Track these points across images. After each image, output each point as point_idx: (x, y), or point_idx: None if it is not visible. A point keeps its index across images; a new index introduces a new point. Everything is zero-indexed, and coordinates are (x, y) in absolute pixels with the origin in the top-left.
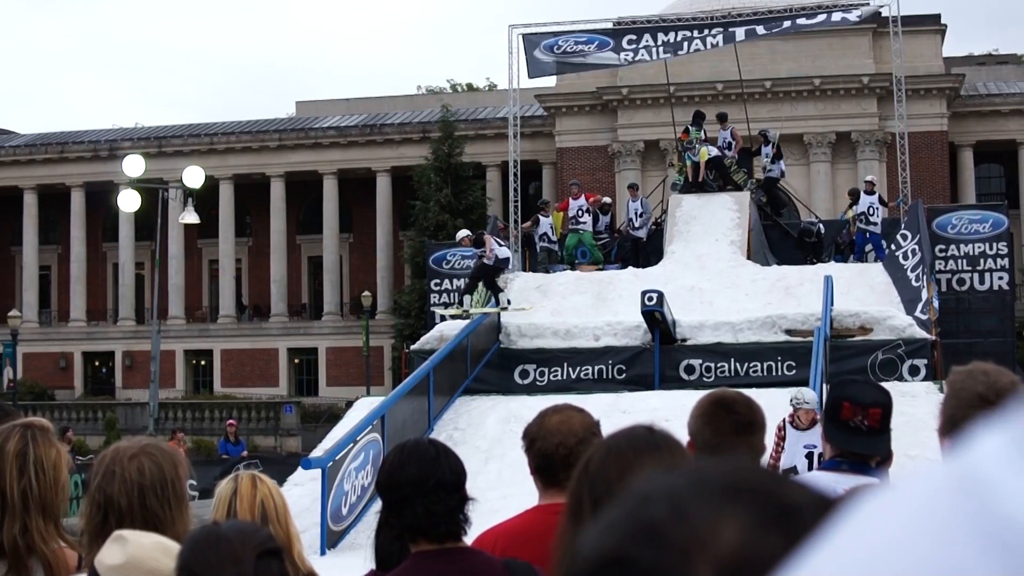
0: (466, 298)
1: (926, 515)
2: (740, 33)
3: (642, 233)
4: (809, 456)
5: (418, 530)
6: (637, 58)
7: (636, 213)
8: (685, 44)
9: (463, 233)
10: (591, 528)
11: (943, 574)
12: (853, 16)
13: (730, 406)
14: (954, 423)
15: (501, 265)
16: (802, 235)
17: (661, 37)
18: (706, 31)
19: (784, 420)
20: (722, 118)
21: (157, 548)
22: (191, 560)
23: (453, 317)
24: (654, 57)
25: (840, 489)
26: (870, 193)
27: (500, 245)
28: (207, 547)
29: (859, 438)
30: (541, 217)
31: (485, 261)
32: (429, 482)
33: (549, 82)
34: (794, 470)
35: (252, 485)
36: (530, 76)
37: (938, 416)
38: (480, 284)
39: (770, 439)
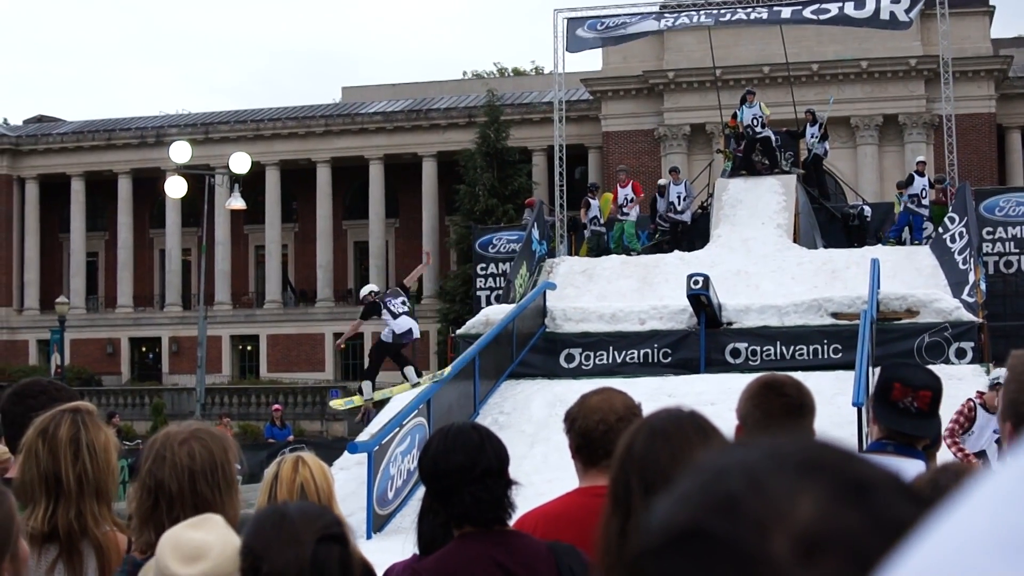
0: (365, 384)
1: None
2: (786, 12)
3: (686, 217)
4: (998, 442)
5: (466, 517)
6: (678, 23)
7: (679, 197)
8: (728, 14)
9: (366, 290)
10: (663, 501)
11: None
12: (901, 12)
13: (780, 388)
14: (1016, 406)
15: (402, 341)
16: (845, 219)
17: (704, 11)
18: (752, 12)
19: (974, 401)
20: (750, 93)
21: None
22: (253, 540)
23: (351, 410)
24: (694, 22)
25: None
26: (922, 175)
27: (399, 314)
28: (270, 527)
29: (908, 420)
30: (591, 200)
31: (382, 338)
32: (476, 470)
33: (595, 66)
34: (983, 455)
35: (293, 468)
36: (569, 50)
37: (1000, 400)
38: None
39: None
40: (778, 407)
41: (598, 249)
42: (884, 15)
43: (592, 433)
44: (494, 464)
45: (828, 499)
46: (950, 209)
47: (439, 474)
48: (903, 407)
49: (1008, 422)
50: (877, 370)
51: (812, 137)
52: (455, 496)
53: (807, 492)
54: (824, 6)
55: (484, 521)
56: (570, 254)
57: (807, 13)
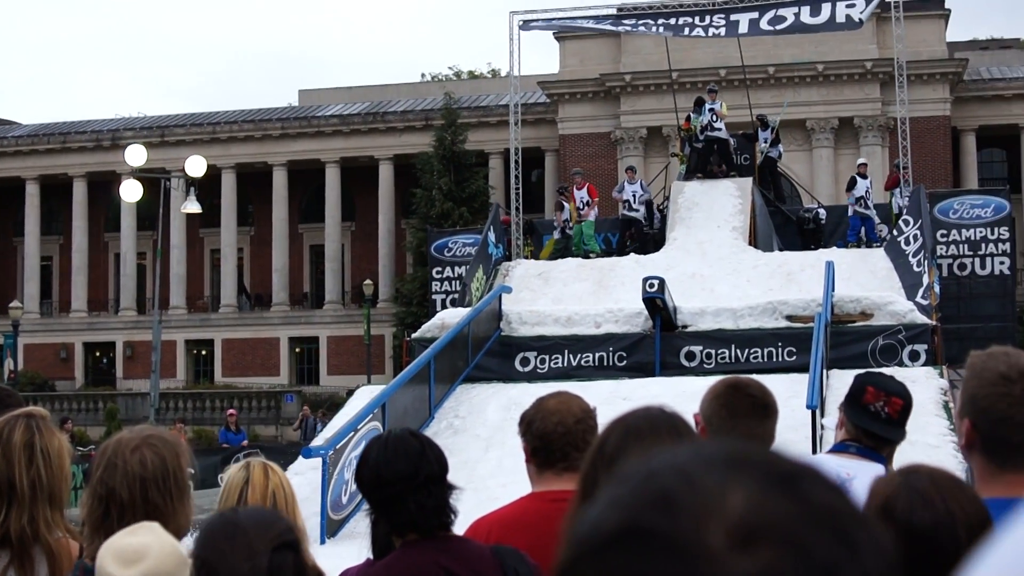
0: None
1: None
2: (743, 25)
3: (639, 215)
4: None
5: (410, 525)
6: (638, 27)
7: (634, 196)
8: (687, 29)
9: None
10: (591, 507)
11: None
12: (856, 14)
13: (746, 388)
14: (975, 402)
15: None
16: (800, 222)
17: (662, 21)
18: (709, 20)
19: None
20: (711, 91)
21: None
22: (206, 551)
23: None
24: (653, 31)
25: (844, 472)
26: (864, 176)
27: None
28: (223, 538)
29: (877, 424)
30: (565, 204)
31: None
32: (419, 477)
33: (552, 68)
34: None
35: (264, 474)
36: (521, 28)
37: (959, 398)
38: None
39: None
40: (745, 406)
41: (564, 251)
42: (840, 18)
43: (550, 435)
44: (436, 470)
45: (758, 490)
46: (902, 193)
47: (382, 483)
48: (874, 411)
49: (966, 419)
50: (832, 373)
51: (764, 142)
52: (399, 504)
53: (738, 485)
54: (780, 13)
55: (429, 528)
56: (526, 257)
57: (764, 24)
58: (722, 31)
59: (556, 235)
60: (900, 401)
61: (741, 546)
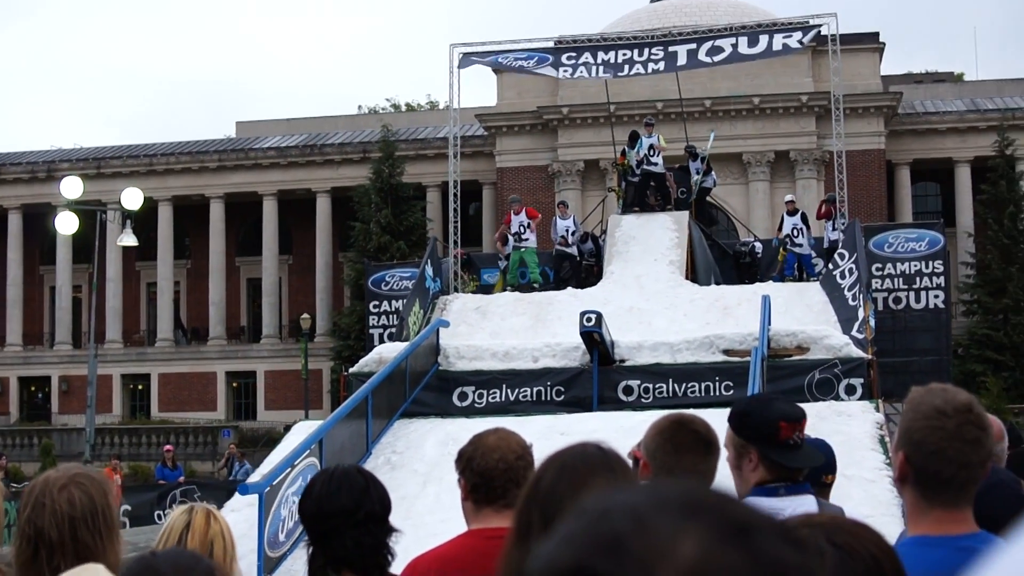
0: None
1: None
2: (682, 57)
3: (574, 250)
4: None
5: (345, 562)
6: (577, 74)
7: (568, 231)
8: (626, 67)
9: None
10: (546, 542)
11: None
12: (794, 42)
13: (691, 424)
14: (909, 436)
15: None
16: (736, 256)
17: (601, 56)
18: (647, 54)
19: None
20: (648, 125)
21: None
22: None
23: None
24: (593, 75)
25: (787, 515)
26: (792, 214)
27: None
28: None
29: (796, 453)
30: (508, 236)
31: None
32: (359, 513)
33: (489, 102)
34: None
35: (206, 520)
36: (459, 67)
37: (897, 432)
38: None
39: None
40: (689, 442)
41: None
42: (777, 47)
43: (492, 472)
44: (377, 509)
45: (710, 539)
46: (834, 226)
47: (322, 516)
48: (792, 443)
49: (901, 452)
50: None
51: (696, 172)
52: (337, 539)
53: (690, 532)
54: (717, 43)
55: (364, 566)
56: (473, 291)
57: (702, 55)
58: (661, 65)
59: (501, 264)
60: (804, 421)
61: None
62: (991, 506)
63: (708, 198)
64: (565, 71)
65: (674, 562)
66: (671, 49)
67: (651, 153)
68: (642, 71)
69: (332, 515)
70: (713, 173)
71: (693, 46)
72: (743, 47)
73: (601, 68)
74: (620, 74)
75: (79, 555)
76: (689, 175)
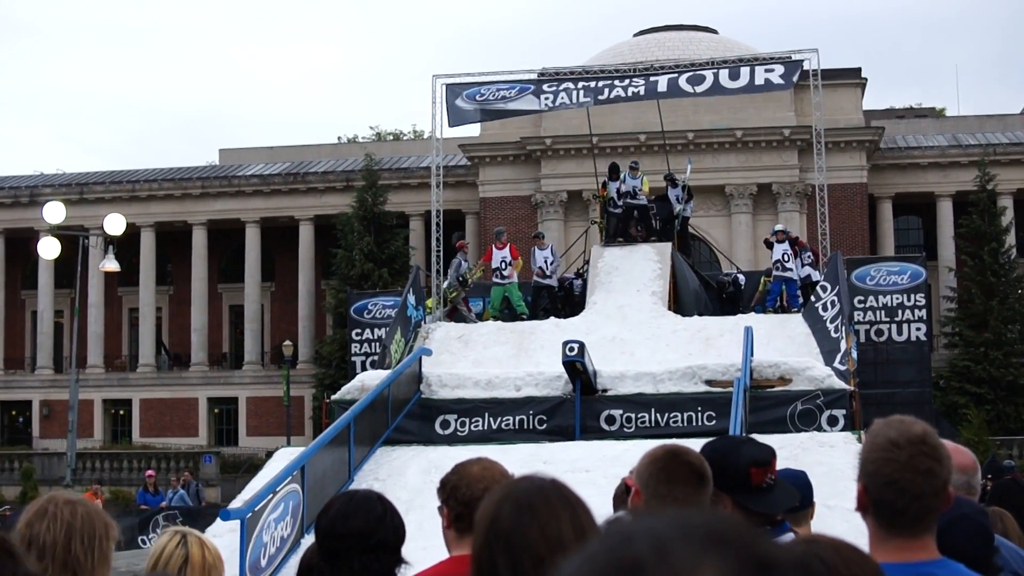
0: None
1: None
2: (663, 85)
3: (552, 281)
4: None
5: None
6: (558, 103)
7: (546, 261)
8: (606, 90)
9: None
10: (571, 561)
11: None
12: (776, 78)
13: (685, 456)
14: (866, 466)
15: None
16: (719, 287)
17: (583, 84)
18: (628, 83)
19: None
20: (633, 167)
21: None
22: None
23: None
24: (575, 101)
25: None
26: (781, 242)
27: None
28: None
29: (771, 496)
30: (463, 261)
31: None
32: (372, 539)
33: (473, 132)
34: None
35: (202, 552)
36: (451, 125)
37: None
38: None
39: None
40: (683, 473)
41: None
42: (759, 81)
43: (476, 503)
44: (390, 539)
45: (730, 572)
46: (803, 260)
47: (335, 536)
48: (766, 486)
49: (860, 483)
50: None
51: (677, 200)
52: (344, 561)
53: (710, 564)
54: (700, 73)
55: None
56: (447, 320)
57: (683, 83)
58: (641, 90)
59: (446, 283)
60: (775, 459)
61: None
62: (955, 540)
63: (689, 228)
64: (547, 99)
65: None
66: (652, 79)
67: (634, 192)
68: (622, 95)
69: (344, 536)
70: (692, 203)
71: (675, 75)
72: (725, 80)
73: (581, 93)
74: (600, 98)
75: (67, 566)
76: (668, 203)
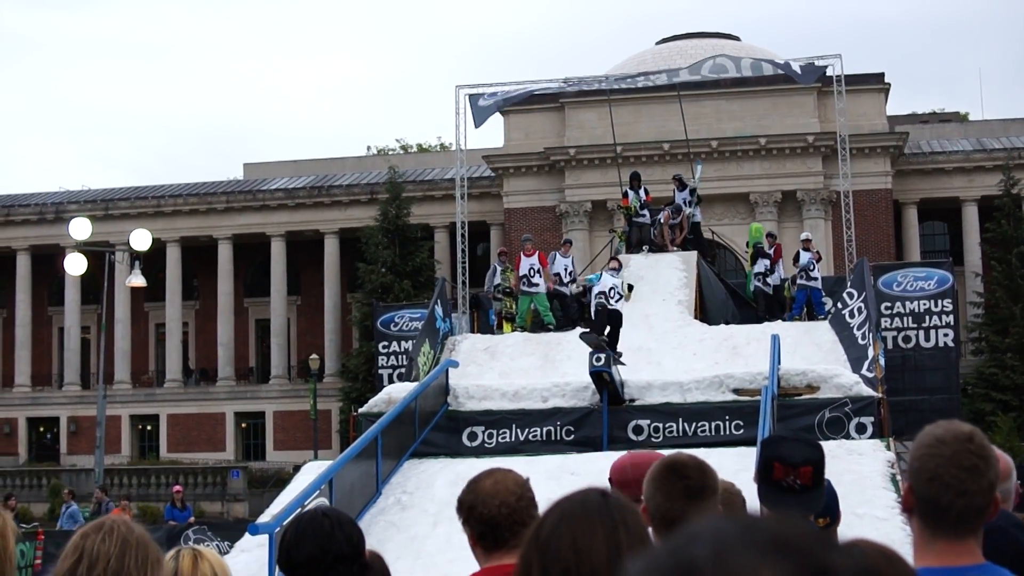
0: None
1: None
2: (684, 73)
3: (567, 289)
4: None
5: None
6: (579, 87)
7: (565, 269)
8: (628, 79)
9: None
10: (639, 558)
11: None
12: (797, 68)
13: (682, 471)
14: (912, 464)
15: None
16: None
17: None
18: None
19: None
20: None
21: None
22: None
23: None
24: (595, 85)
25: None
26: (807, 250)
27: None
28: None
29: (791, 497)
30: (498, 267)
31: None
32: (327, 558)
33: (497, 143)
34: None
35: (193, 564)
36: (476, 125)
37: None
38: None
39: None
40: (679, 490)
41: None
42: (781, 69)
43: (496, 519)
44: (345, 550)
45: None
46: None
47: (292, 564)
48: (786, 485)
49: (907, 483)
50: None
51: (684, 202)
52: None
53: (768, 570)
54: (719, 62)
55: None
56: (473, 331)
57: (705, 71)
58: (663, 78)
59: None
60: (809, 468)
61: None
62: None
63: (703, 232)
64: (571, 84)
65: None
66: (673, 70)
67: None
68: (648, 83)
69: (301, 564)
70: (699, 208)
71: (697, 67)
72: (746, 70)
73: (604, 82)
74: (622, 85)
75: None
76: (679, 210)
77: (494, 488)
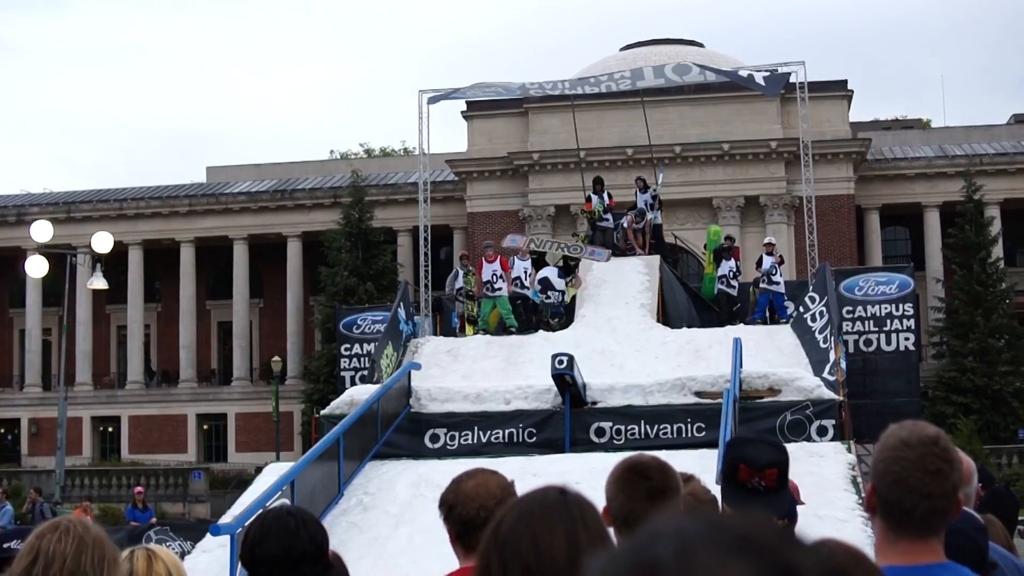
0: None
1: None
2: (649, 76)
3: (528, 291)
4: None
5: None
6: (545, 91)
7: (525, 272)
8: (593, 79)
9: None
10: (598, 558)
11: None
12: (760, 79)
13: (644, 472)
14: (876, 466)
15: None
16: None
17: (568, 81)
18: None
19: None
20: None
21: None
22: None
23: None
24: (560, 89)
25: None
26: (770, 255)
27: None
28: None
29: (758, 498)
30: (460, 271)
31: None
32: (290, 556)
33: (460, 147)
34: None
35: (148, 565)
36: (430, 103)
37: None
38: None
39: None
40: (642, 491)
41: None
42: (744, 75)
43: (474, 521)
44: (309, 548)
45: None
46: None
47: (255, 562)
48: (751, 487)
49: (870, 483)
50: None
51: (645, 204)
52: None
53: (732, 569)
54: (684, 63)
55: None
56: (435, 334)
57: (669, 73)
58: (627, 83)
59: (458, 300)
60: (774, 471)
61: None
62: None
63: (676, 242)
64: (533, 88)
65: None
66: (638, 70)
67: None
68: (612, 87)
69: (264, 561)
70: (659, 212)
71: (660, 65)
72: (710, 75)
73: (568, 83)
74: (585, 89)
75: None
76: (642, 214)
77: (475, 491)
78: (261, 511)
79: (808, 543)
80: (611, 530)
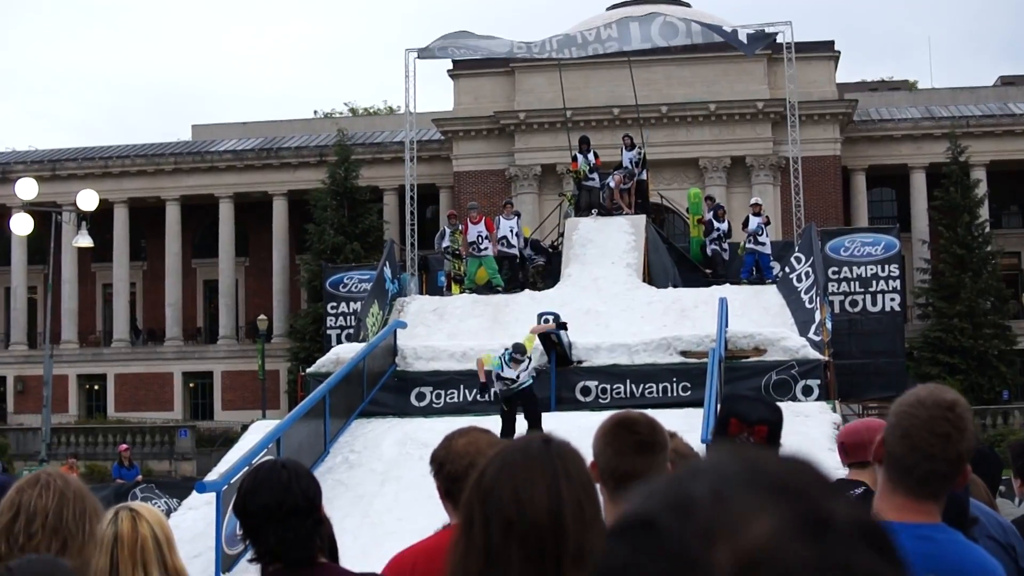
0: None
1: None
2: (636, 38)
3: (515, 251)
4: None
5: (273, 555)
6: (534, 52)
7: (511, 231)
8: (580, 38)
9: None
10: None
11: None
12: (743, 35)
13: (632, 426)
14: (889, 419)
15: None
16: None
17: (556, 39)
18: (601, 34)
19: None
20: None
21: None
22: None
23: None
24: (548, 51)
25: None
26: (757, 215)
27: None
28: None
29: None
30: (447, 229)
31: None
32: (281, 509)
33: (447, 106)
34: None
35: (132, 526)
36: (418, 58)
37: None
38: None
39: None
40: (630, 445)
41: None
42: (729, 32)
43: (463, 479)
44: (301, 503)
45: (786, 526)
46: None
47: (247, 514)
48: (740, 442)
49: (882, 434)
50: None
51: (630, 162)
52: (260, 535)
53: (768, 513)
54: (670, 21)
55: (289, 560)
56: (421, 293)
57: (655, 35)
58: (615, 45)
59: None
60: (764, 428)
61: (742, 573)
62: None
63: (662, 202)
64: (520, 48)
65: (741, 539)
66: (625, 31)
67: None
68: (600, 50)
69: (256, 513)
70: (646, 170)
71: (648, 27)
72: (697, 36)
73: (555, 43)
74: (574, 50)
75: (58, 532)
76: (632, 175)
77: (465, 448)
78: (255, 465)
79: (852, 495)
80: (598, 485)
